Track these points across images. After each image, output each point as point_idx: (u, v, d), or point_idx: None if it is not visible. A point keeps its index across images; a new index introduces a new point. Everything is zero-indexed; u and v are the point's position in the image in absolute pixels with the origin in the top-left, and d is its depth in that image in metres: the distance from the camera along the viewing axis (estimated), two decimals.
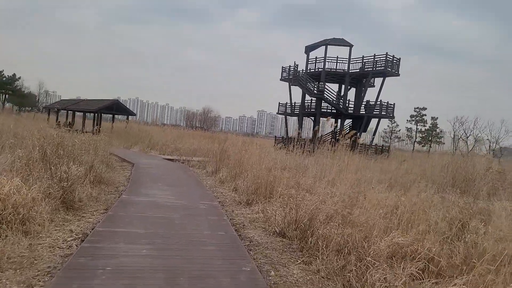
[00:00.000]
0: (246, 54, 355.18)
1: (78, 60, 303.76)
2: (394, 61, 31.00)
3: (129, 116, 34.40)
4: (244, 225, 6.18)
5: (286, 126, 38.03)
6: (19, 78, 64.94)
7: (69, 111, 35.21)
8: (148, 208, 6.68)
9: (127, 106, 42.15)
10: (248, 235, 5.57)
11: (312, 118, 35.04)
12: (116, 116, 35.41)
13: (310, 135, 31.46)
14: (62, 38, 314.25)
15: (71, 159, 8.15)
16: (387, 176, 10.05)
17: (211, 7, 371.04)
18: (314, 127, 34.32)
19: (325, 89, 32.01)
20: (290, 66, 34.72)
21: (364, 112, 31.67)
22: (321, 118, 33.50)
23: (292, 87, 34.75)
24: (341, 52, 47.78)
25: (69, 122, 31.53)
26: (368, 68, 31.26)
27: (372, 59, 30.88)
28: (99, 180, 8.69)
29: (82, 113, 33.83)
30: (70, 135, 10.63)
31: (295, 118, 39.91)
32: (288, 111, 35.86)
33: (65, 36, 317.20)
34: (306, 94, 33.35)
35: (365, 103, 32.24)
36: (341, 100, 32.72)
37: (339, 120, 32.39)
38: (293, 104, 35.43)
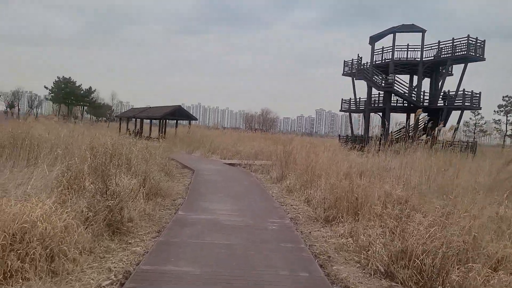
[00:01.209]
0: (302, 54, 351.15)
1: (146, 72, 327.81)
2: (478, 44, 26.80)
3: (192, 121, 34.66)
4: (330, 257, 4.63)
5: (351, 124, 35.30)
6: (95, 90, 70.80)
7: (137, 119, 36.69)
8: (207, 230, 5.47)
9: (190, 112, 42.92)
10: (340, 276, 4.02)
11: (380, 114, 31.95)
12: (180, 121, 35.99)
13: (376, 133, 28.55)
14: (131, 52, 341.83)
15: (123, 170, 7.36)
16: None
17: (265, 10, 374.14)
18: (383, 123, 31.27)
19: (395, 81, 28.85)
20: (353, 60, 32.19)
21: (442, 104, 27.92)
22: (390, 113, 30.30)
23: (356, 81, 32.11)
24: (411, 40, 43.45)
25: (138, 129, 32.69)
26: (446, 54, 27.47)
27: (451, 44, 27.05)
28: (155, 192, 7.79)
29: (149, 120, 34.95)
30: (128, 143, 10.04)
31: (357, 115, 36.92)
32: (353, 107, 33.12)
33: (134, 50, 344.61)
34: (373, 88, 30.47)
35: (443, 93, 28.42)
36: (414, 92, 29.30)
37: (411, 115, 28.94)
38: (358, 100, 32.66)
